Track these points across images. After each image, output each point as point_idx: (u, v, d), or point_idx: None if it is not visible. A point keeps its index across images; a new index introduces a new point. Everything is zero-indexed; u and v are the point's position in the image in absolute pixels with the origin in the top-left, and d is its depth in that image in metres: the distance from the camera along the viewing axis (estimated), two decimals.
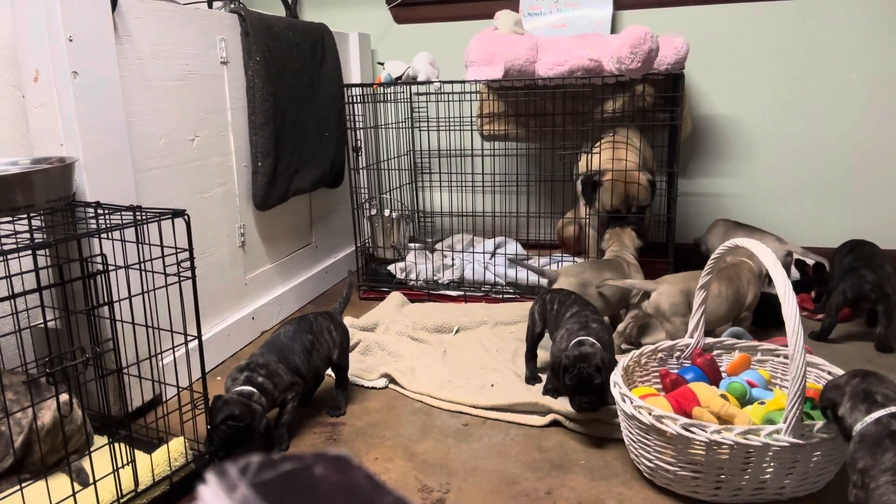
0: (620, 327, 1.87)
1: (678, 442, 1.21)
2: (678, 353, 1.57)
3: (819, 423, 1.17)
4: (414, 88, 2.75)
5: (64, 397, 1.28)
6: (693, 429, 1.18)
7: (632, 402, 1.27)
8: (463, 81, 2.24)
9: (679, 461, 1.22)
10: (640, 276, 1.93)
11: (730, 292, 1.79)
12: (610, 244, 2.06)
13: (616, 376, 1.36)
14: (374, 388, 1.76)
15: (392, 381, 1.78)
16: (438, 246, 2.70)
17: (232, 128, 1.97)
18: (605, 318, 2.08)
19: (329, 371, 1.68)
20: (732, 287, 1.80)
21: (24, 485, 1.14)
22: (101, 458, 1.26)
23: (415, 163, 2.89)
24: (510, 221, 2.80)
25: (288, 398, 1.47)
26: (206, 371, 1.40)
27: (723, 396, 1.33)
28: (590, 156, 2.21)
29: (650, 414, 1.23)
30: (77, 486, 1.22)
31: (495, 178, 2.75)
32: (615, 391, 1.33)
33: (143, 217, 1.27)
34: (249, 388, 1.40)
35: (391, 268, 2.48)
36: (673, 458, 1.23)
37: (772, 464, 1.18)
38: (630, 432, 1.32)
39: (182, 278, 1.28)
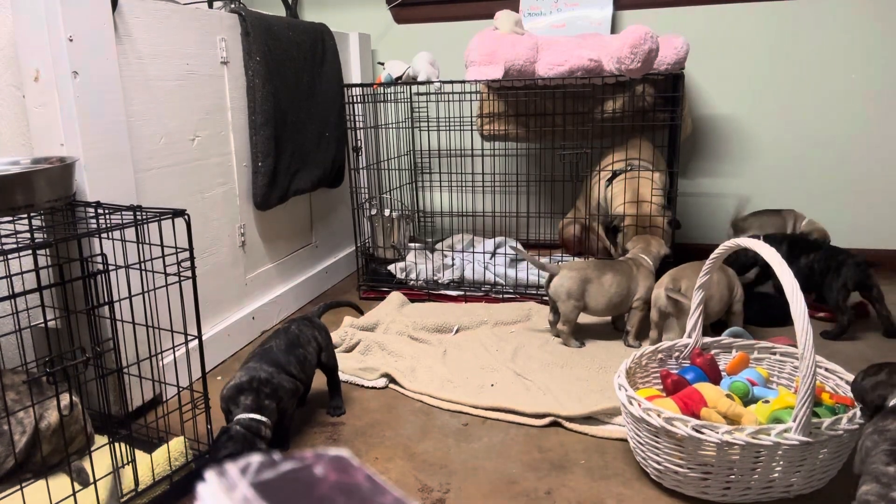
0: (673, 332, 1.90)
1: (689, 443, 1.20)
2: (677, 354, 1.57)
3: (827, 421, 1.18)
4: (414, 88, 2.75)
5: (65, 397, 1.28)
6: (704, 430, 1.18)
7: (640, 405, 1.26)
8: (463, 81, 2.24)
9: (689, 463, 1.22)
10: (650, 281, 1.92)
11: (724, 280, 1.87)
12: (635, 245, 2.03)
13: (621, 379, 1.36)
14: (374, 387, 1.76)
15: (392, 380, 1.78)
16: (438, 246, 2.70)
17: (232, 128, 1.97)
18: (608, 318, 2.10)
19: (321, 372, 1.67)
20: (725, 274, 1.88)
21: (24, 485, 1.14)
22: (101, 457, 1.26)
23: (415, 163, 2.89)
24: (510, 221, 2.81)
25: (288, 404, 1.47)
26: (207, 371, 1.41)
27: (728, 396, 1.33)
28: (611, 191, 2.15)
29: (660, 416, 1.22)
30: (77, 486, 1.22)
31: (495, 178, 2.75)
32: (621, 394, 1.32)
33: (144, 217, 1.27)
34: (257, 418, 1.33)
35: (391, 268, 2.49)
36: (683, 460, 1.23)
37: (781, 462, 1.18)
38: (637, 435, 1.31)
39: (182, 278, 1.28)
